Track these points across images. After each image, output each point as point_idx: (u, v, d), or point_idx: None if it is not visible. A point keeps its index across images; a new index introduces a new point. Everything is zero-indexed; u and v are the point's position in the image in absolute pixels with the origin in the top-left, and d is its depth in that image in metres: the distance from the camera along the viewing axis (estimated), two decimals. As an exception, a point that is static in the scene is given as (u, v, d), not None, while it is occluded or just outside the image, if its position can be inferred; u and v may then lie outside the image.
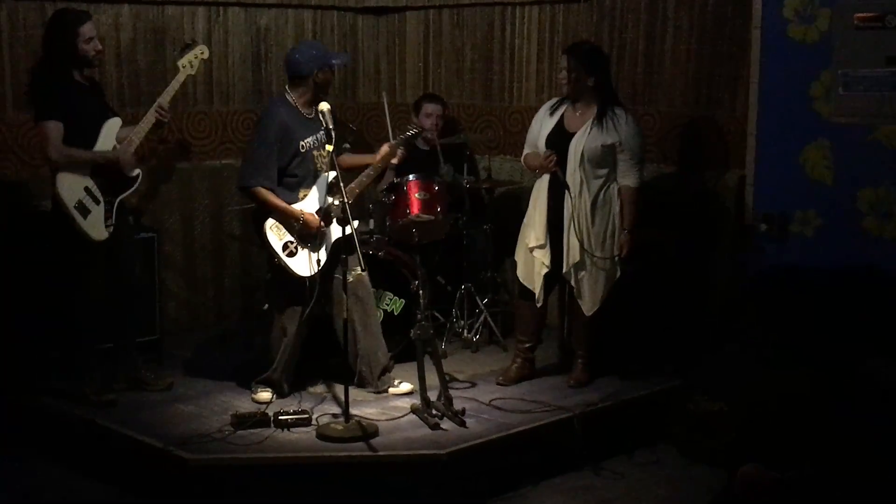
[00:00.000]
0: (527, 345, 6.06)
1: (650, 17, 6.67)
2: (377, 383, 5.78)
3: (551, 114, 5.87)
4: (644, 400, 5.84)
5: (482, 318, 6.67)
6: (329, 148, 5.27)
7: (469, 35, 7.58)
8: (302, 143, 5.57)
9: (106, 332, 5.82)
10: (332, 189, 5.43)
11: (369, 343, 5.75)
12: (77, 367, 5.70)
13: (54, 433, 5.60)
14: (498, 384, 5.96)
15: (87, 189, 5.46)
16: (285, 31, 7.40)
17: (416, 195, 5.93)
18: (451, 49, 7.70)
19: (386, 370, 5.84)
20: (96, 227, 5.48)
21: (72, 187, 5.42)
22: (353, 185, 5.68)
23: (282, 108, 5.60)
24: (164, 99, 5.68)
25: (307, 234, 5.52)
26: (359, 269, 5.36)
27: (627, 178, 5.74)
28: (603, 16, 6.87)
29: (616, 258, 5.77)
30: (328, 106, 5.39)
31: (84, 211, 5.43)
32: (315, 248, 5.53)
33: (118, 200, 5.59)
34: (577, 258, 5.71)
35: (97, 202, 5.49)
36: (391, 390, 5.77)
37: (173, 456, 4.98)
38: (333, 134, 5.30)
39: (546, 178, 5.83)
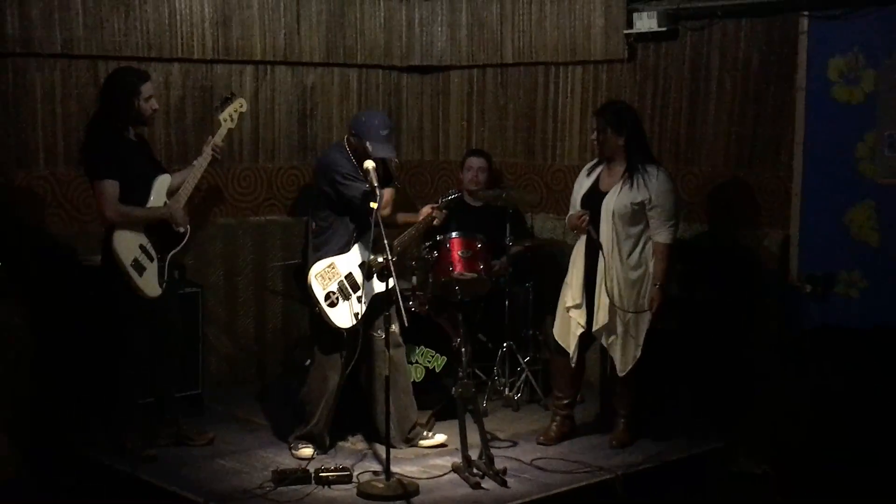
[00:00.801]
0: (565, 401, 6.03)
1: (693, 76, 6.70)
2: (406, 438, 5.77)
3: (588, 174, 5.92)
4: (687, 461, 5.78)
5: (523, 376, 6.64)
6: (373, 205, 5.31)
7: (512, 94, 7.64)
8: None
9: (148, 387, 5.86)
10: (375, 244, 5.45)
11: (399, 400, 5.72)
12: (118, 422, 5.73)
13: (93, 486, 5.60)
14: (539, 444, 5.93)
15: (141, 247, 5.53)
16: (331, 90, 7.50)
17: (459, 253, 5.95)
18: (494, 107, 7.76)
19: (416, 426, 5.82)
20: (151, 284, 5.56)
21: (128, 246, 5.49)
22: (395, 242, 5.71)
23: (338, 153, 5.73)
24: (216, 140, 5.78)
25: (349, 287, 5.58)
26: (394, 326, 5.42)
27: (659, 234, 5.73)
28: (646, 76, 6.90)
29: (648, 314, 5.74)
30: (373, 164, 5.44)
31: (140, 269, 5.50)
32: (356, 300, 5.55)
33: (169, 257, 5.66)
34: (607, 318, 5.70)
35: (151, 259, 5.56)
36: (422, 443, 5.77)
37: (214, 512, 4.99)
38: (378, 192, 5.34)
39: (584, 238, 5.84)
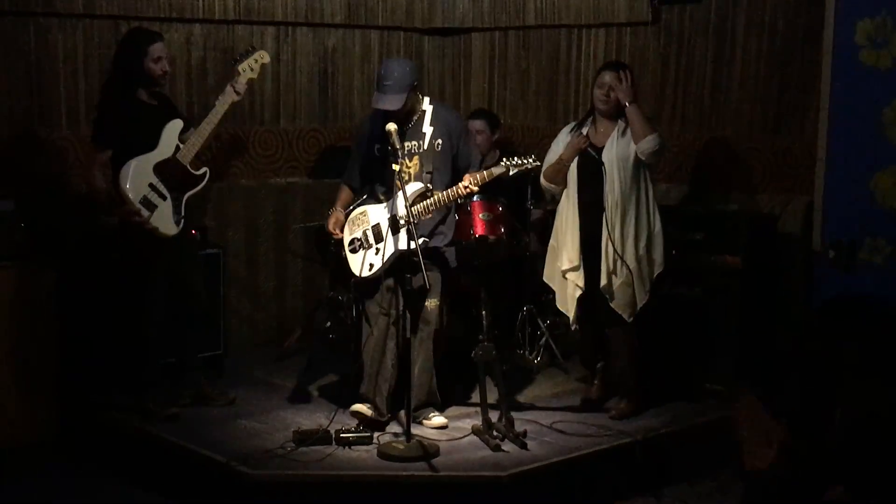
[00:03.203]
0: (600, 363, 6.03)
1: (718, 40, 6.64)
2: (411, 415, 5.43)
3: (572, 135, 5.85)
4: (707, 426, 5.77)
5: (543, 339, 6.64)
6: (395, 167, 5.28)
7: (534, 57, 7.59)
8: (378, 147, 5.59)
9: (170, 348, 5.88)
10: (413, 202, 5.37)
11: (417, 376, 5.57)
12: (142, 382, 5.76)
13: (116, 446, 5.66)
14: (584, 401, 5.95)
15: (151, 185, 5.53)
16: (352, 52, 7.47)
17: (480, 216, 5.91)
18: (516, 70, 7.71)
19: (425, 405, 5.69)
20: (166, 222, 5.54)
21: (135, 183, 5.49)
22: (428, 202, 5.58)
23: (370, 116, 5.73)
24: (226, 102, 5.72)
25: (373, 237, 5.52)
26: (435, 300, 5.46)
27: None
28: (670, 39, 6.84)
29: (656, 257, 5.72)
30: (395, 126, 5.37)
31: (150, 206, 5.51)
32: (374, 253, 5.49)
33: (186, 197, 5.64)
34: (612, 268, 5.67)
35: (163, 198, 5.56)
36: (424, 422, 5.62)
37: (235, 471, 5.02)
38: (400, 153, 5.30)
39: (573, 199, 5.79)
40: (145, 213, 5.49)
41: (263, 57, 5.94)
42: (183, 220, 5.62)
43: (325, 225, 5.74)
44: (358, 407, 5.55)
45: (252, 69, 5.87)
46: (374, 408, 5.56)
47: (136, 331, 5.75)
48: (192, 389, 5.91)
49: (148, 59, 5.53)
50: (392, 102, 5.41)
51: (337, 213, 5.69)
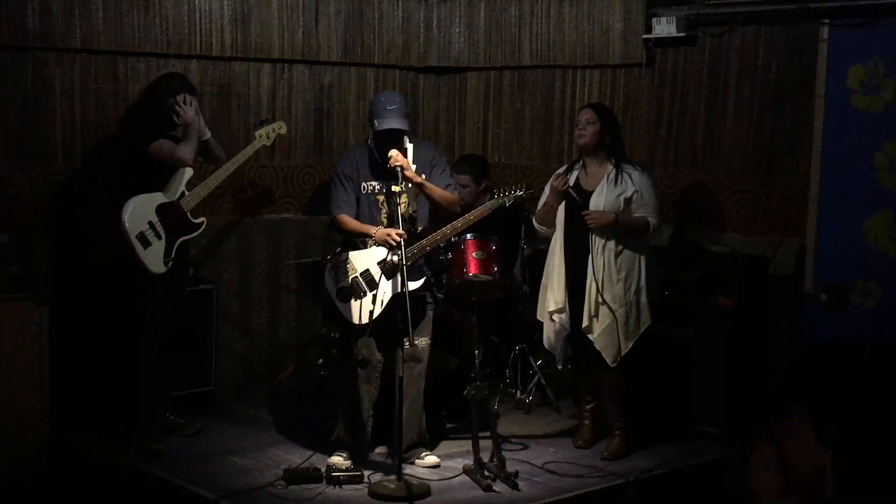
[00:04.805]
0: (590, 405, 6.03)
1: (711, 83, 6.69)
2: (402, 455, 5.44)
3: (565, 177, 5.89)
4: (700, 468, 5.76)
5: (536, 379, 6.64)
6: (395, 188, 5.32)
7: (529, 97, 7.64)
8: (365, 184, 5.62)
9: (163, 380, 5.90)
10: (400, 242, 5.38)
11: (407, 415, 5.54)
12: (142, 415, 5.79)
13: (105, 482, 5.62)
14: (577, 447, 5.92)
15: (150, 223, 5.64)
16: (348, 89, 7.50)
17: (474, 254, 5.92)
18: (510, 110, 7.76)
19: (416, 445, 5.68)
20: (155, 260, 5.65)
21: (135, 218, 5.60)
22: (424, 241, 5.58)
23: (356, 150, 5.74)
24: (238, 161, 6.04)
25: (364, 284, 5.51)
26: (426, 339, 5.47)
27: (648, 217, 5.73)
28: (664, 81, 6.89)
29: (644, 306, 5.73)
30: (395, 151, 5.44)
31: (145, 242, 5.62)
32: (371, 301, 5.49)
33: (179, 241, 5.75)
34: (593, 311, 5.68)
35: (159, 237, 5.66)
36: (416, 461, 5.61)
37: (225, 509, 5.00)
38: (401, 178, 5.36)
39: (560, 238, 5.83)
40: (139, 247, 5.56)
41: (281, 128, 6.34)
42: (172, 262, 5.71)
43: (378, 239, 5.47)
44: (334, 460, 5.52)
45: (269, 137, 6.26)
46: (350, 455, 5.55)
47: (136, 367, 5.80)
48: (160, 421, 5.91)
49: (168, 104, 5.78)
50: (402, 123, 5.51)
51: (378, 230, 5.47)
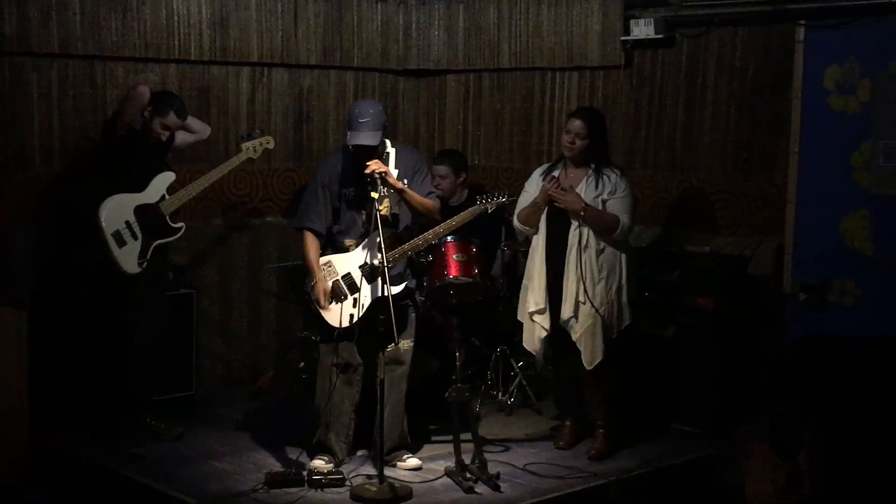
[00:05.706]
0: (571, 406, 6.04)
1: (689, 84, 6.72)
2: (384, 457, 5.42)
3: (543, 177, 5.89)
4: (680, 468, 5.78)
5: (517, 381, 6.65)
6: (374, 195, 5.31)
7: (508, 99, 7.65)
8: (345, 191, 5.61)
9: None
10: (381, 246, 5.33)
11: (389, 418, 5.53)
12: (123, 420, 5.83)
13: (87, 488, 5.59)
14: (558, 448, 5.92)
15: (127, 223, 5.68)
16: (327, 93, 7.50)
17: (454, 257, 5.93)
18: (490, 112, 7.77)
19: (397, 448, 5.68)
20: (129, 260, 5.68)
21: (112, 216, 5.64)
22: (406, 246, 5.60)
23: (336, 155, 5.73)
24: (221, 171, 6.09)
25: (346, 287, 5.51)
26: (409, 342, 5.47)
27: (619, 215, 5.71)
28: (642, 83, 6.92)
29: (624, 305, 5.75)
30: (374, 161, 5.42)
31: (120, 241, 5.65)
32: (352, 305, 5.50)
33: (156, 244, 5.77)
34: (572, 312, 5.69)
35: (135, 238, 5.69)
36: (398, 464, 5.60)
37: (207, 513, 4.99)
38: (380, 190, 5.35)
39: (541, 240, 5.83)
40: (114, 245, 5.59)
41: (269, 143, 6.32)
42: (147, 264, 5.72)
43: (311, 297, 5.49)
44: (316, 464, 5.50)
45: (255, 150, 6.24)
46: (333, 457, 5.54)
47: (112, 368, 5.82)
48: (141, 425, 5.91)
49: (156, 121, 5.80)
50: (371, 138, 5.43)
51: (321, 281, 5.47)
